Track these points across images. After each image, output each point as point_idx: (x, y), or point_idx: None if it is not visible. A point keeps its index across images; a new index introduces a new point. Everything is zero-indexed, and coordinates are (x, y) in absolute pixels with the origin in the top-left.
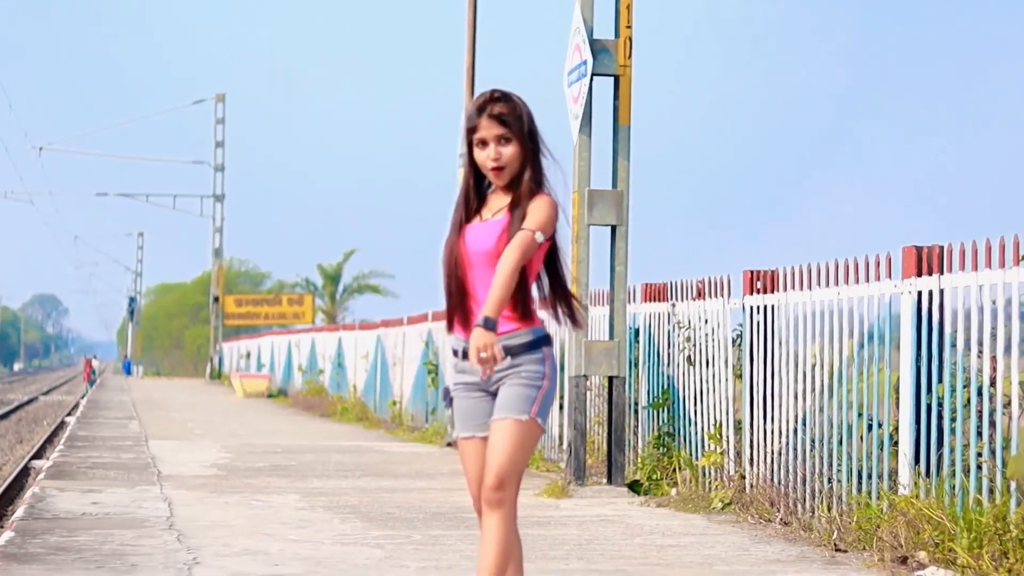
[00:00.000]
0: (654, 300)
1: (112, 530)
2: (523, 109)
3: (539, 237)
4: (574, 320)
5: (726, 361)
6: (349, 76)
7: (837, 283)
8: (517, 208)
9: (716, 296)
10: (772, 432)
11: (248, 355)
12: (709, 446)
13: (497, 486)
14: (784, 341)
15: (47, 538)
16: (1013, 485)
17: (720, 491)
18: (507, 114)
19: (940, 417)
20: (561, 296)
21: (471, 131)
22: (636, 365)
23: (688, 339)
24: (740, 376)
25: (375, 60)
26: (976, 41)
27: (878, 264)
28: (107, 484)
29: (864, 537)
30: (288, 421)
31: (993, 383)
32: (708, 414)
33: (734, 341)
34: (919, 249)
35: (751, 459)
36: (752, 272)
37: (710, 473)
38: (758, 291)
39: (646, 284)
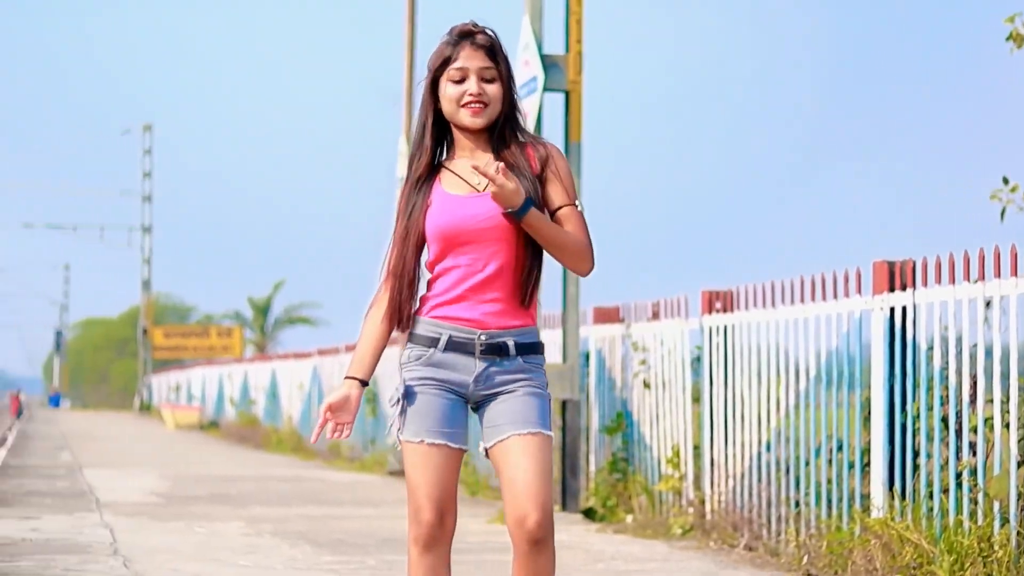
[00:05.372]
0: (607, 322)
1: (55, 555)
2: (505, 50)
3: (580, 206)
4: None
5: (684, 383)
6: (278, 103)
7: (803, 300)
8: (515, 170)
9: (673, 317)
10: (734, 455)
11: (178, 387)
12: (666, 471)
13: (546, 519)
14: (745, 361)
15: None
16: (996, 505)
17: (679, 517)
18: (495, 47)
19: (915, 437)
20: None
21: (445, 63)
22: (586, 389)
23: (643, 362)
24: (698, 399)
25: (306, 87)
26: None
27: (847, 280)
28: (45, 511)
29: (836, 561)
30: (222, 451)
31: (973, 401)
32: (665, 438)
33: (692, 363)
34: (891, 264)
35: (711, 483)
36: (711, 292)
37: (668, 499)
38: (717, 311)
39: (597, 307)
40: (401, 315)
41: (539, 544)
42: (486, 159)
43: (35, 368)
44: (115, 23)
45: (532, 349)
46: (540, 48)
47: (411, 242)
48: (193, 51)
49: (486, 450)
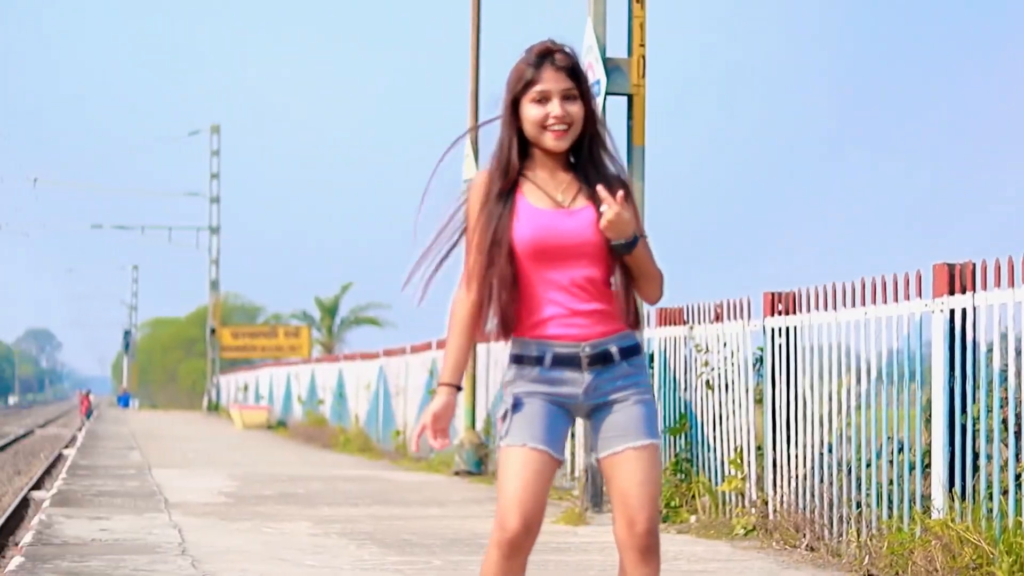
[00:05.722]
0: (670, 324)
1: (124, 555)
2: (584, 67)
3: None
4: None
5: (746, 384)
6: (344, 106)
7: (863, 303)
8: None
9: (735, 319)
10: (796, 456)
11: (246, 387)
12: (729, 471)
13: (654, 528)
14: (807, 363)
15: (58, 563)
16: None
17: (742, 517)
18: (576, 66)
19: (975, 439)
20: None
21: (527, 85)
22: (650, 391)
23: (706, 363)
24: (760, 400)
25: (372, 89)
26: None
27: (907, 282)
28: (114, 511)
29: (897, 562)
30: (290, 451)
31: None
32: (728, 439)
33: (755, 364)
34: (951, 266)
35: (774, 484)
36: (773, 294)
37: (731, 499)
38: (779, 312)
39: (660, 308)
40: (505, 319)
41: (647, 552)
42: (565, 181)
43: (104, 368)
44: (185, 25)
45: (634, 351)
46: (603, 52)
47: (503, 249)
48: (260, 52)
49: (597, 459)
